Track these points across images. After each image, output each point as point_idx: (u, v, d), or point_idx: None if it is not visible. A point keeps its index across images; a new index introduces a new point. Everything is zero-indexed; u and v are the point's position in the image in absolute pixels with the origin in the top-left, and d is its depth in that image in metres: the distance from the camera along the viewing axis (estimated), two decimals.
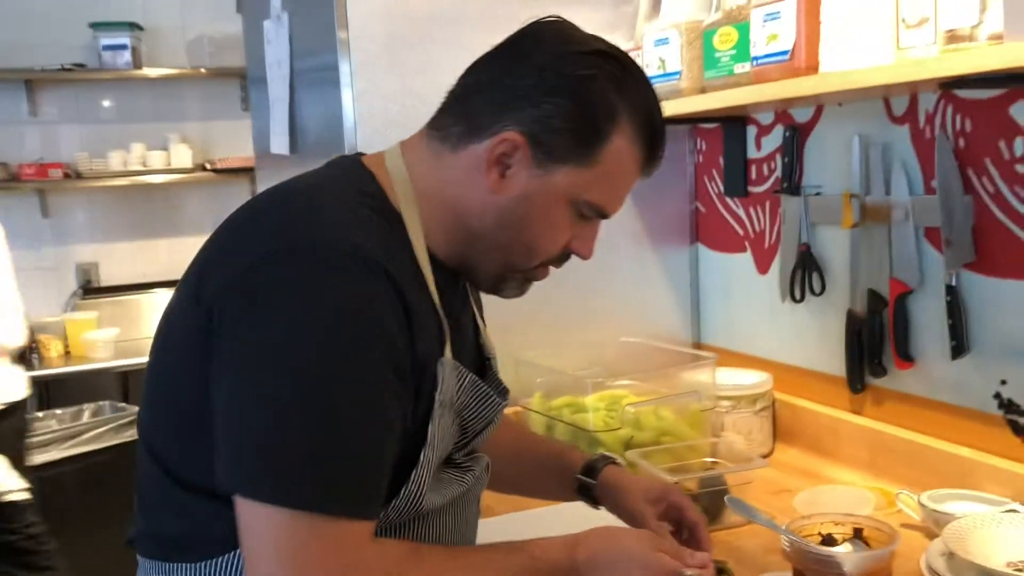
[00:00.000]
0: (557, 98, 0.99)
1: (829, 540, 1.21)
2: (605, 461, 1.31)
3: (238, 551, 0.93)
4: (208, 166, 4.24)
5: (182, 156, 4.22)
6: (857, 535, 1.21)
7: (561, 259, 1.10)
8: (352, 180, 1.03)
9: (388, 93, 1.88)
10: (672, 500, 1.23)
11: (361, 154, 1.10)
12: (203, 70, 4.24)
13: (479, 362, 1.19)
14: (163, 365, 1.01)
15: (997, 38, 1.24)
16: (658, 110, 1.07)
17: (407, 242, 1.01)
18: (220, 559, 0.97)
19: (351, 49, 1.86)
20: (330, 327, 0.89)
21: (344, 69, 1.86)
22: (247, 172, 4.18)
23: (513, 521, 1.62)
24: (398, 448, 0.95)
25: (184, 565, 0.98)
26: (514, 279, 1.09)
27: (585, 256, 1.10)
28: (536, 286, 2.09)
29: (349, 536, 0.87)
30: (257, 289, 0.90)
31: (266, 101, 2.29)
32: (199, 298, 0.94)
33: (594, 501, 1.31)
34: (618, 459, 1.33)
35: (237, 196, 4.41)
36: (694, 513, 1.21)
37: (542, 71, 1.00)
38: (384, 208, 1.01)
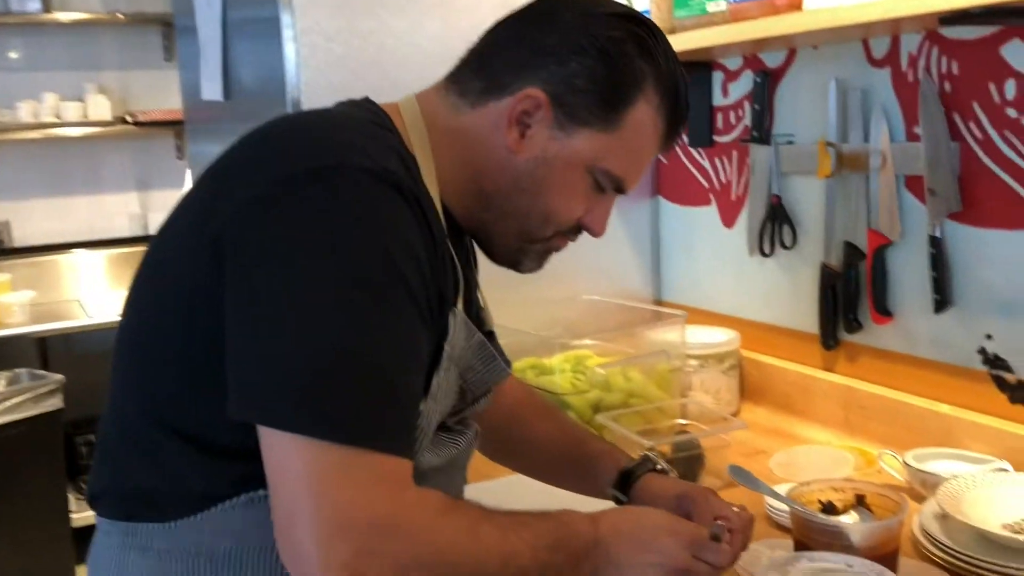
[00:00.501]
0: (583, 58, 0.96)
1: (830, 508, 1.14)
2: (645, 468, 1.20)
3: (216, 507, 0.88)
4: (129, 119, 3.99)
5: (100, 108, 3.96)
6: (860, 502, 1.14)
7: (574, 232, 1.06)
8: (370, 116, 0.98)
9: (332, 33, 1.73)
10: (714, 508, 1.08)
11: (369, 99, 1.04)
12: (120, 15, 3.97)
13: (485, 332, 1.13)
14: (155, 301, 0.92)
15: None
16: (684, 82, 1.02)
17: (425, 200, 0.95)
18: (194, 518, 0.89)
19: None
20: (364, 248, 0.83)
21: (285, 6, 1.70)
22: (172, 126, 3.96)
23: (509, 485, 1.54)
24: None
25: (152, 525, 0.90)
26: (532, 250, 1.04)
27: (597, 233, 1.05)
28: None
29: (392, 474, 0.80)
30: (284, 210, 0.83)
31: (195, 50, 2.11)
32: (205, 226, 0.86)
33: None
34: (662, 465, 1.22)
35: (162, 151, 4.18)
36: (740, 519, 1.05)
37: (568, 30, 0.97)
38: (402, 148, 0.95)
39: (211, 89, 2.03)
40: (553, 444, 1.28)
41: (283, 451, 0.78)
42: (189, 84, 2.31)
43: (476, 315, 1.10)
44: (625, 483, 1.19)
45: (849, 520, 1.10)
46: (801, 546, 1.09)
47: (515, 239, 1.03)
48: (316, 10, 1.71)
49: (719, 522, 0.99)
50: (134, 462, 0.91)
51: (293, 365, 0.79)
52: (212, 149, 1.37)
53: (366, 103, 1.01)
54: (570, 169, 0.98)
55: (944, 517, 1.26)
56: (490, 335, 1.14)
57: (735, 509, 1.06)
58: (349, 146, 0.87)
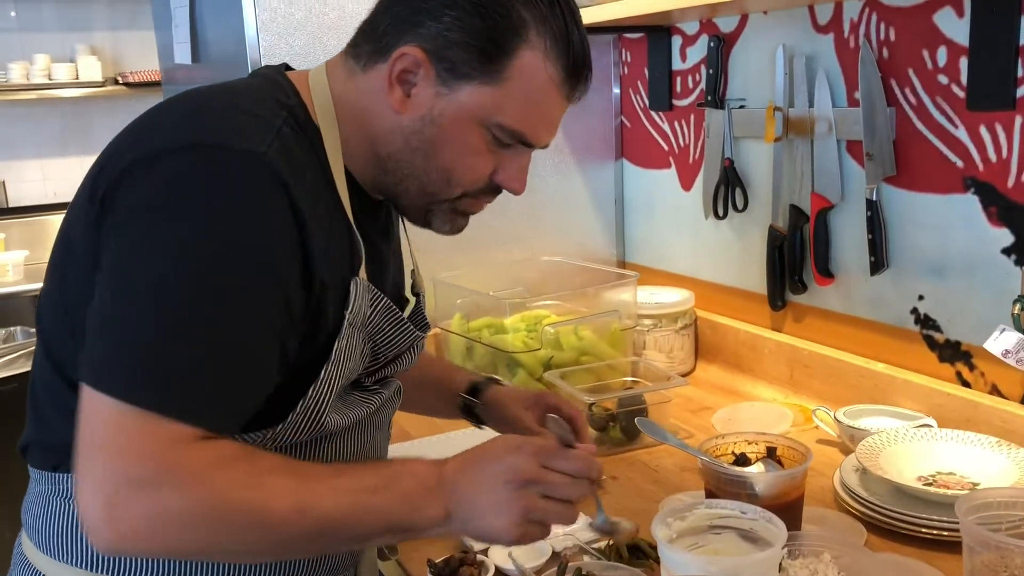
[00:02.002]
0: (457, 11, 0.95)
1: (743, 459, 1.20)
2: (490, 383, 1.32)
3: None
4: (120, 80, 4.03)
5: (91, 69, 4.00)
6: (770, 454, 1.19)
7: (490, 191, 1.05)
8: (272, 90, 0.99)
9: None
10: (547, 403, 1.24)
11: (288, 67, 1.06)
12: None
13: (402, 298, 1.17)
14: (60, 262, 0.97)
15: None
16: (576, 24, 1.00)
17: (323, 159, 0.98)
18: None
19: None
20: (213, 232, 0.85)
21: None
22: (162, 86, 4.00)
23: (432, 444, 1.59)
24: (279, 368, 0.91)
25: (72, 475, 0.93)
26: (440, 210, 1.05)
27: (516, 190, 1.04)
28: None
29: (178, 435, 0.82)
30: (152, 180, 0.87)
31: (169, 12, 2.14)
32: (94, 192, 0.91)
33: (478, 420, 1.31)
34: (503, 381, 1.34)
35: None
36: (570, 408, 1.23)
37: None
38: (302, 121, 0.97)
39: (181, 52, 2.07)
40: (417, 371, 1.32)
41: (89, 407, 0.82)
42: (164, 47, 2.34)
43: (393, 281, 1.14)
44: (474, 394, 1.31)
45: (755, 470, 1.16)
46: (711, 495, 1.14)
47: (420, 199, 1.03)
48: None
49: (551, 415, 1.07)
50: (55, 416, 0.95)
51: (119, 330, 0.83)
52: None
53: (277, 74, 1.02)
54: (461, 125, 0.98)
55: (864, 471, 1.31)
56: (418, 298, 1.18)
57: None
58: (228, 126, 0.89)
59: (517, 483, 0.89)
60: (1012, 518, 1.04)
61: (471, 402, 1.30)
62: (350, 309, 0.97)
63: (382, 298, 1.03)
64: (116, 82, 4.03)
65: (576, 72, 1.00)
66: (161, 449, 0.81)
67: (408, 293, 1.21)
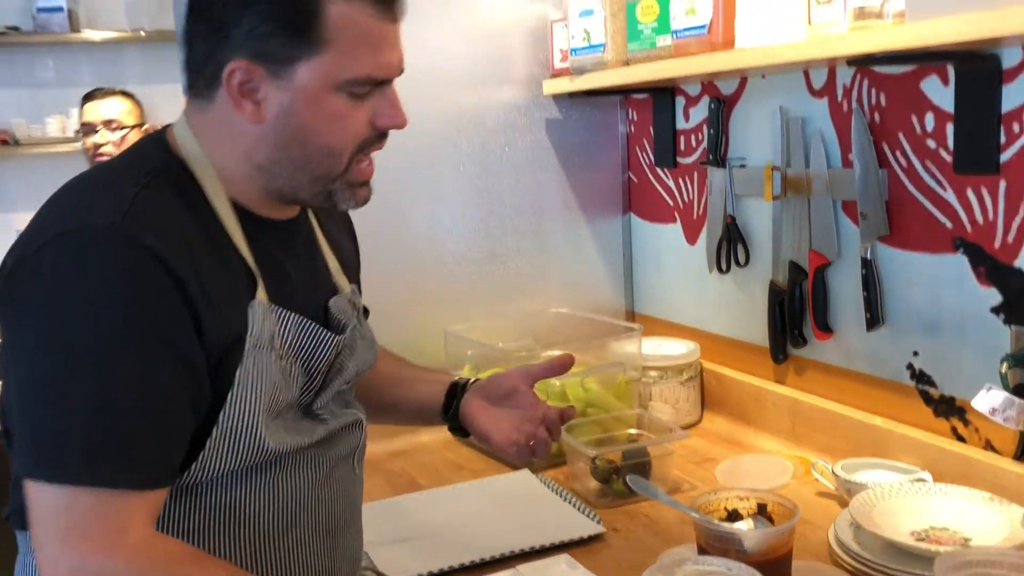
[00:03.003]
0: (251, 8, 0.98)
1: (734, 515, 1.23)
2: (468, 382, 1.38)
3: None
4: (152, 132, 4.15)
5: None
6: (761, 511, 1.23)
7: (376, 139, 1.08)
8: (142, 157, 1.05)
9: None
10: (533, 376, 1.35)
11: (170, 125, 1.11)
12: (143, 32, 4.14)
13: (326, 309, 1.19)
14: None
15: (902, 16, 1.24)
16: None
17: (201, 201, 1.03)
18: None
19: None
20: (91, 311, 0.92)
21: None
22: None
23: (443, 495, 1.64)
24: (191, 414, 0.98)
25: None
26: (337, 189, 1.08)
27: (398, 124, 1.07)
28: (471, 259, 2.10)
29: (114, 516, 0.90)
30: (27, 282, 0.94)
31: None
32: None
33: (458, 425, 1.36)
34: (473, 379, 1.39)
35: None
36: (556, 366, 1.35)
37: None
38: (173, 178, 1.02)
39: None
40: (391, 376, 1.41)
41: (29, 495, 0.91)
42: None
43: (316, 294, 1.16)
44: (456, 396, 1.35)
45: (744, 527, 1.19)
46: (703, 551, 1.18)
47: (315, 185, 1.06)
48: None
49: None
50: (19, 480, 1.00)
51: (30, 418, 0.92)
52: None
53: (152, 139, 1.09)
54: (315, 103, 1.01)
55: (858, 526, 1.35)
56: (356, 306, 1.23)
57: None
58: (83, 205, 0.97)
59: None
60: None
61: (455, 426, 1.35)
62: (250, 333, 1.01)
63: (289, 315, 1.07)
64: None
65: None
66: (109, 540, 0.89)
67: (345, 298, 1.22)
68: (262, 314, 1.04)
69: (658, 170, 2.12)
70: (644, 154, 2.16)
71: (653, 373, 1.94)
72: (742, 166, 1.86)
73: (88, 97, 3.37)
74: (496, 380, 1.36)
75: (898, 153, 1.54)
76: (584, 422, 1.75)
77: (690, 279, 2.06)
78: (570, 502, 1.55)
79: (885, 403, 1.63)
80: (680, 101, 2.02)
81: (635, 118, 2.17)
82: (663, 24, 1.66)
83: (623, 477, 1.63)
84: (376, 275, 1.91)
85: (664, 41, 1.67)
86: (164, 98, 4.29)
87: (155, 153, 1.05)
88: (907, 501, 1.39)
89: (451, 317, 1.99)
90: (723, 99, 1.88)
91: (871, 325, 1.60)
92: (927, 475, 1.48)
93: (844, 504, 1.48)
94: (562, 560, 1.36)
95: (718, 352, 2.00)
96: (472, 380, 1.39)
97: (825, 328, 1.71)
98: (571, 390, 1.81)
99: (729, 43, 1.52)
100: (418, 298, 1.98)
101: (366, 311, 1.34)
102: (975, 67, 1.36)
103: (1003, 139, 1.37)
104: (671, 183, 2.09)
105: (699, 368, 1.98)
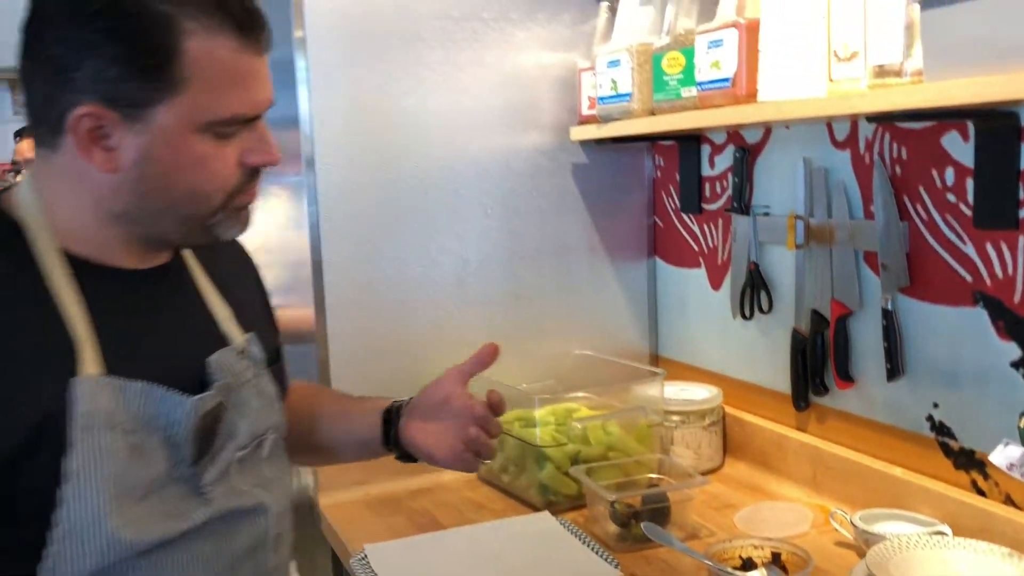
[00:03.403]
0: (95, 49, 0.89)
1: (749, 564, 1.25)
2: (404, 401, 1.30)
3: None
4: None
5: None
6: (775, 560, 1.24)
7: (250, 177, 1.00)
8: None
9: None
10: (465, 374, 1.26)
11: (7, 188, 1.03)
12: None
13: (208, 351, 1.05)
14: None
15: (920, 74, 1.27)
16: None
17: (30, 264, 0.94)
18: None
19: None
20: None
21: (300, 65, 1.85)
22: None
23: (461, 536, 1.65)
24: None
25: None
26: (216, 222, 1.00)
27: (271, 161, 0.99)
28: (495, 301, 2.12)
29: None
30: None
31: None
32: None
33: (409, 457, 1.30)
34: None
35: None
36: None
37: (64, 38, 0.90)
38: None
39: None
40: (332, 415, 1.32)
41: None
42: None
43: (167, 353, 1.02)
44: (392, 422, 1.27)
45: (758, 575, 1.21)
46: None
47: (185, 226, 0.99)
48: (329, 90, 1.89)
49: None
50: None
51: None
52: None
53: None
54: (177, 146, 0.92)
55: None
56: (253, 358, 1.10)
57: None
58: None
59: None
60: None
61: (401, 454, 1.28)
62: (80, 410, 0.89)
63: (128, 384, 0.93)
64: None
65: (246, 25, 0.94)
66: None
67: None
68: (90, 390, 0.90)
69: (684, 215, 2.15)
70: (670, 199, 2.19)
71: (675, 418, 1.95)
72: (766, 214, 1.88)
73: (19, 134, 3.39)
74: (428, 391, 1.27)
75: (919, 206, 1.56)
76: (605, 465, 1.76)
77: (713, 324, 2.08)
78: (589, 545, 1.56)
79: (905, 454, 1.63)
80: (706, 149, 2.05)
81: (662, 164, 2.21)
82: (688, 76, 1.69)
83: (642, 522, 1.64)
84: (400, 313, 1.97)
85: (689, 92, 1.70)
86: None
87: None
88: (925, 554, 1.39)
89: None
90: (748, 148, 1.91)
91: (891, 376, 1.61)
92: (947, 528, 1.48)
93: (862, 555, 1.48)
94: None
95: (740, 398, 2.02)
96: (408, 400, 1.30)
97: (846, 377, 1.72)
98: (592, 433, 1.83)
99: (752, 96, 1.55)
100: (441, 337, 2.01)
101: (278, 354, 1.23)
102: (994, 125, 1.38)
103: (1022, 195, 1.38)
104: (696, 229, 2.11)
105: (721, 413, 2.00)
